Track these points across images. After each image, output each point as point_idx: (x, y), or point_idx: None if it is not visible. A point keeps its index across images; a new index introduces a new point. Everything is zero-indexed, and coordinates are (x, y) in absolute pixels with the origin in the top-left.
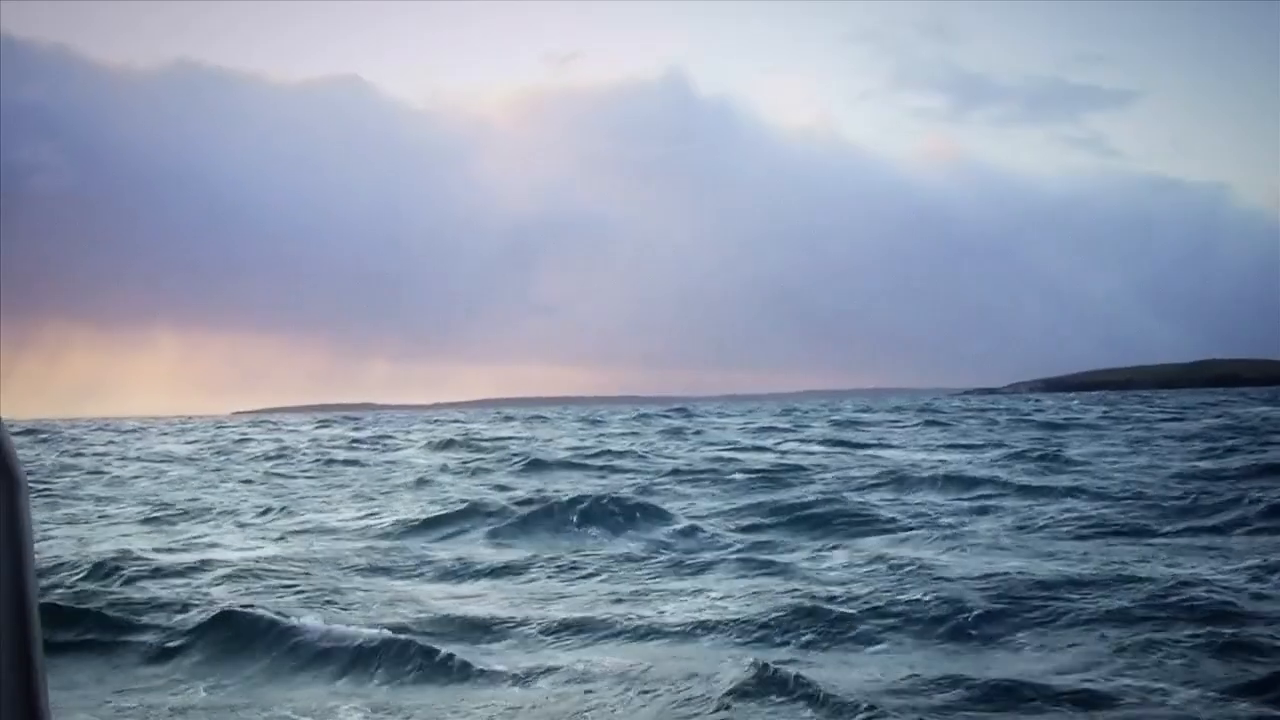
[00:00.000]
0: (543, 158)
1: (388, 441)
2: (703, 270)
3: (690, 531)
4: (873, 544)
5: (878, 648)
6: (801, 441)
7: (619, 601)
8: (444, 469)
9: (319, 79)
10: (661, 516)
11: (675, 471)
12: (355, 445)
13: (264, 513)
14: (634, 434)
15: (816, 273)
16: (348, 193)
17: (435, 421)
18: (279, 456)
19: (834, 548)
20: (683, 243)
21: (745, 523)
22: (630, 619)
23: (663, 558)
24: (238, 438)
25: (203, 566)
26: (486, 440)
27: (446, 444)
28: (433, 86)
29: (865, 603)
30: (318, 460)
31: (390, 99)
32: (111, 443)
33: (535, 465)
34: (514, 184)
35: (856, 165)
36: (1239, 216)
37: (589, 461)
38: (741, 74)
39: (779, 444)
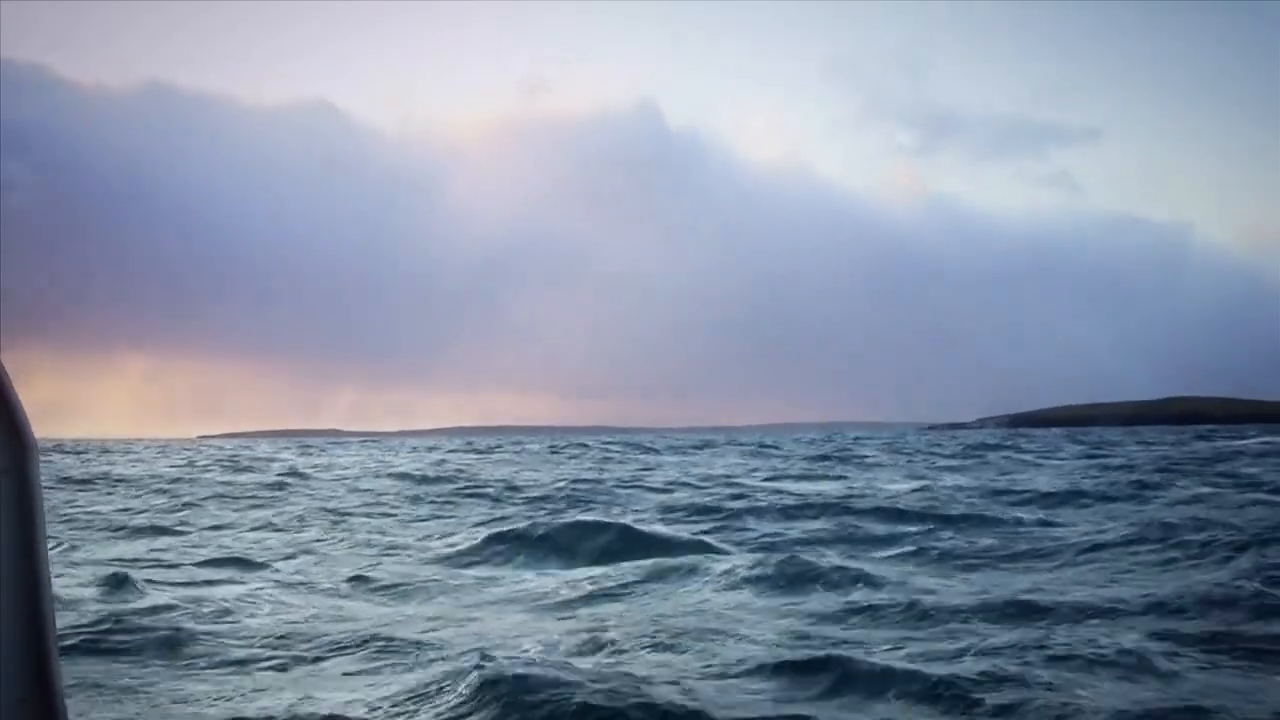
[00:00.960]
0: (514, 186)
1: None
2: (672, 300)
3: None
4: None
5: None
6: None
7: None
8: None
9: (290, 103)
10: None
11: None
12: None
13: None
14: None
15: (785, 304)
16: (318, 218)
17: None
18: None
19: None
20: (652, 272)
21: None
22: None
23: None
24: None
25: None
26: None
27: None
28: (404, 113)
29: None
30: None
31: (362, 125)
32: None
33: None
34: (484, 212)
35: (825, 198)
36: (1203, 254)
37: None
38: (712, 106)
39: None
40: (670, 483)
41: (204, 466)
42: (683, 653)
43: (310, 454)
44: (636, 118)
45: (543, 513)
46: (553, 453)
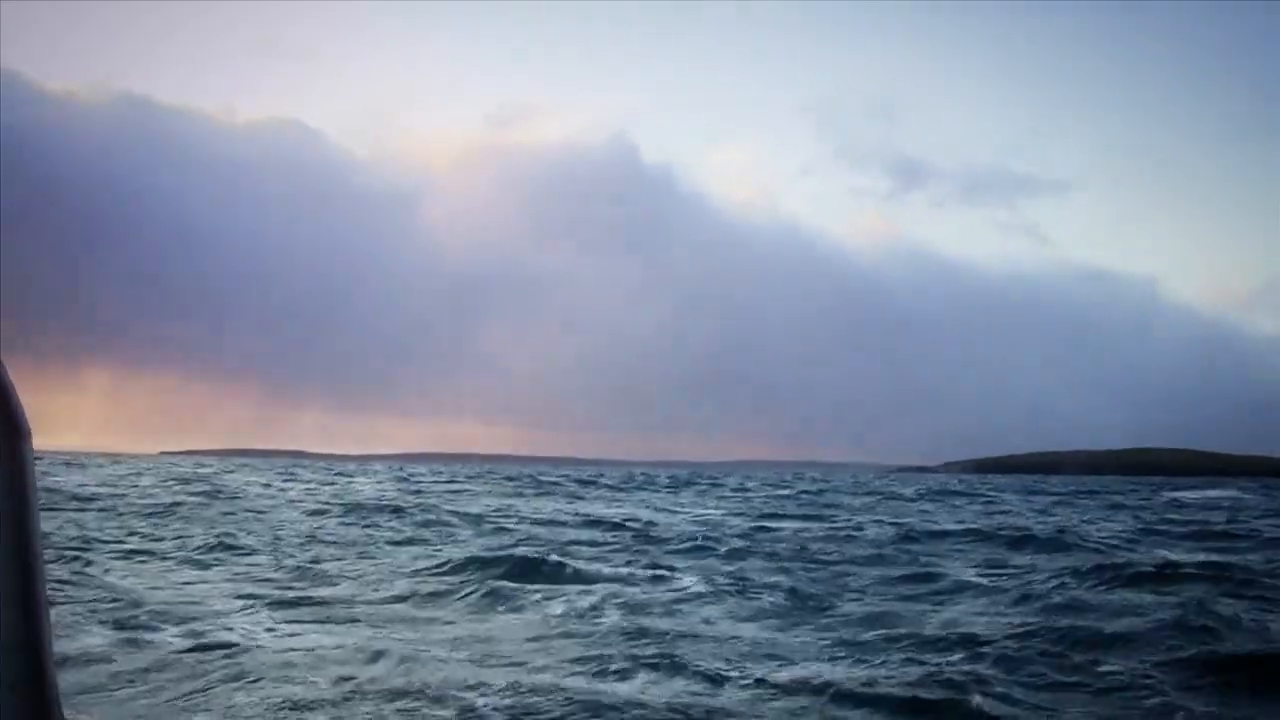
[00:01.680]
0: (485, 214)
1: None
2: (640, 334)
3: None
4: None
5: None
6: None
7: None
8: None
9: (264, 121)
10: None
11: None
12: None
13: None
14: None
15: (753, 343)
16: (287, 237)
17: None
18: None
19: None
20: (621, 306)
21: None
22: None
23: None
24: None
25: None
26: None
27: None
28: (377, 136)
29: None
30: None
31: (334, 145)
32: None
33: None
34: (454, 238)
35: (796, 238)
36: (1170, 309)
37: None
38: (687, 143)
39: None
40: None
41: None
42: None
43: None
44: (611, 151)
45: None
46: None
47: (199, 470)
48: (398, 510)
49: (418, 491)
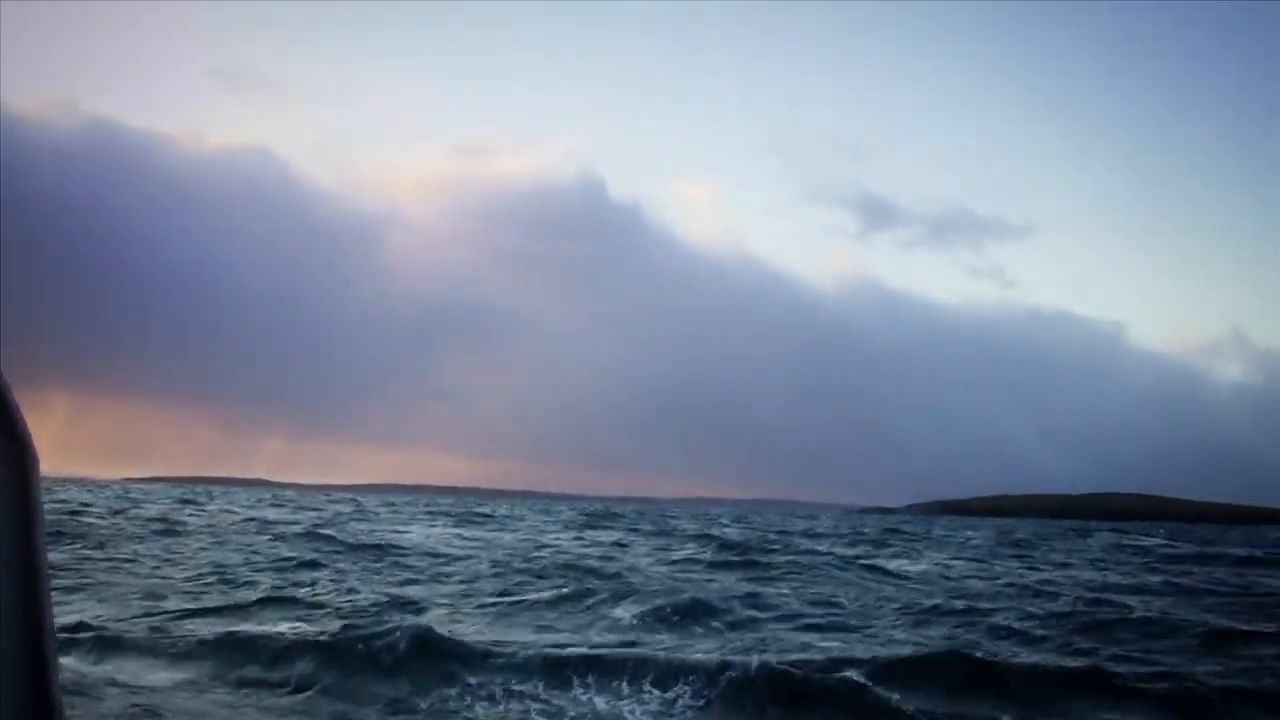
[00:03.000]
0: (449, 246)
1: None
2: (603, 370)
3: None
4: None
5: None
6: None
7: None
8: None
9: (231, 148)
10: None
11: None
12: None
13: None
14: None
15: (717, 381)
16: (252, 265)
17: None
18: None
19: None
20: (585, 341)
21: None
22: None
23: None
24: None
25: None
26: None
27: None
28: (343, 167)
29: None
30: None
31: (300, 175)
32: None
33: None
34: (419, 270)
35: (761, 277)
36: (1133, 354)
37: None
38: (654, 180)
39: None
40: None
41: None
42: None
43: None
44: (577, 185)
45: None
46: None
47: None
48: None
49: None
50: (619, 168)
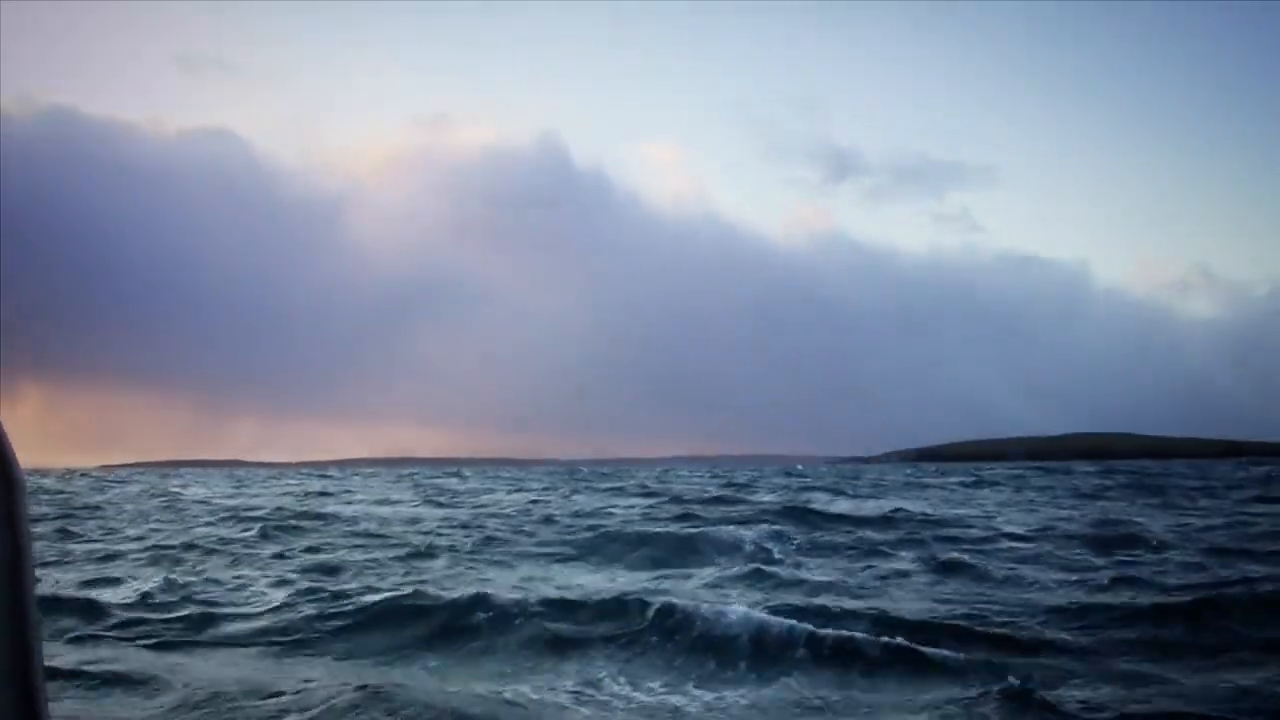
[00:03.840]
0: (415, 219)
1: None
2: (575, 334)
3: None
4: None
5: None
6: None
7: None
8: None
9: (193, 131)
10: None
11: None
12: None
13: None
14: None
15: (688, 339)
16: (221, 247)
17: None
18: None
19: None
20: (555, 307)
21: None
22: None
23: None
24: None
25: None
26: None
27: None
28: (306, 144)
29: None
30: None
31: (264, 155)
32: None
33: None
34: (386, 244)
35: (728, 235)
36: (1101, 293)
37: None
38: (617, 143)
39: None
40: None
41: None
42: None
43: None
44: (539, 151)
45: None
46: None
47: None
48: None
49: None
50: (581, 134)
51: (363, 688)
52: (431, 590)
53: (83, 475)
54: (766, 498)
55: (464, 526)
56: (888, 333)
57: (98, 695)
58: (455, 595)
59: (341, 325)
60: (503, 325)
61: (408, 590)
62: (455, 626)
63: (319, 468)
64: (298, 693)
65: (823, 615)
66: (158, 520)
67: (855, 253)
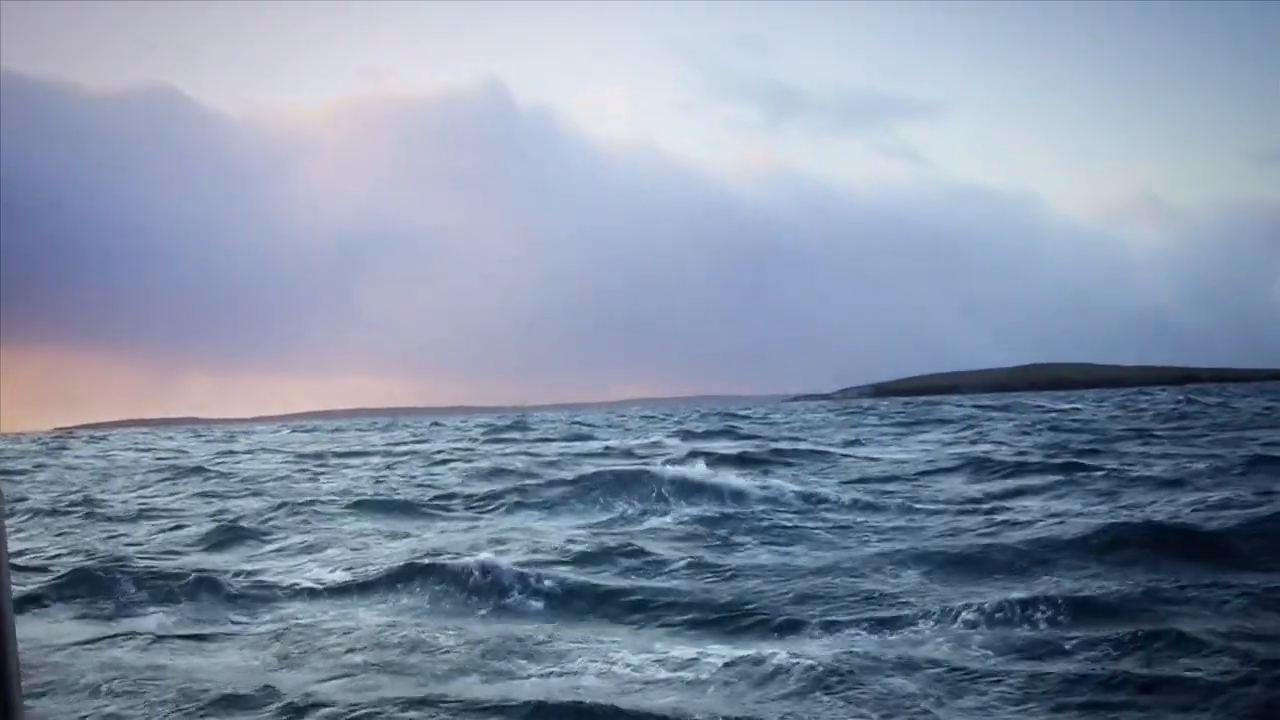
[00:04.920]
0: (363, 169)
1: None
2: (526, 280)
3: None
4: None
5: None
6: None
7: None
8: None
9: (136, 89)
10: None
11: None
12: None
13: None
14: None
15: (640, 282)
16: (167, 204)
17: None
18: None
19: None
20: (506, 252)
21: None
22: None
23: None
24: None
25: None
26: None
27: None
28: (250, 99)
29: None
30: None
31: (207, 110)
32: None
33: None
34: (334, 195)
35: (675, 175)
36: (1052, 224)
37: None
38: (561, 86)
39: None
40: None
41: None
42: None
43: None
44: (483, 97)
45: None
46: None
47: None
48: None
49: None
50: (527, 80)
51: None
52: None
53: (34, 440)
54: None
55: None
56: (840, 269)
57: None
58: None
59: (291, 278)
60: (453, 272)
61: None
62: None
63: (277, 422)
64: None
65: None
66: None
67: (804, 190)
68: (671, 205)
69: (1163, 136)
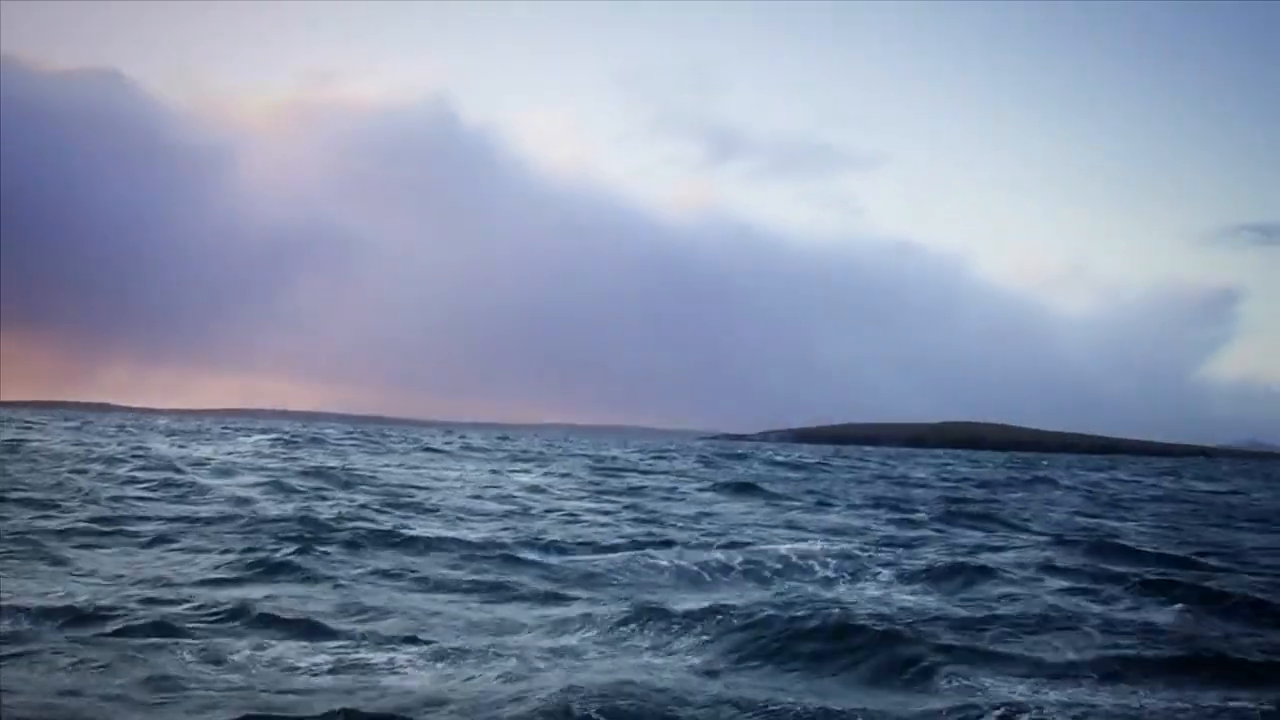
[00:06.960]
0: (300, 171)
1: None
2: (456, 296)
3: None
4: None
5: None
6: None
7: None
8: None
9: (78, 70)
10: None
11: None
12: None
13: None
14: None
15: (570, 308)
16: (98, 186)
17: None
18: None
19: None
20: (438, 267)
21: None
22: None
23: None
24: None
25: None
26: None
27: None
28: (195, 90)
29: None
30: None
31: (151, 97)
32: None
33: None
34: (270, 195)
35: (612, 205)
36: (978, 284)
37: None
38: (506, 107)
39: None
40: None
41: None
42: None
43: None
44: (427, 109)
45: None
46: None
47: None
48: None
49: None
50: (470, 95)
51: None
52: None
53: None
54: None
55: None
56: (769, 312)
57: None
58: None
59: (221, 273)
60: (386, 283)
61: None
62: None
63: (196, 416)
64: None
65: None
66: None
67: (738, 230)
68: (607, 234)
69: (1100, 208)
